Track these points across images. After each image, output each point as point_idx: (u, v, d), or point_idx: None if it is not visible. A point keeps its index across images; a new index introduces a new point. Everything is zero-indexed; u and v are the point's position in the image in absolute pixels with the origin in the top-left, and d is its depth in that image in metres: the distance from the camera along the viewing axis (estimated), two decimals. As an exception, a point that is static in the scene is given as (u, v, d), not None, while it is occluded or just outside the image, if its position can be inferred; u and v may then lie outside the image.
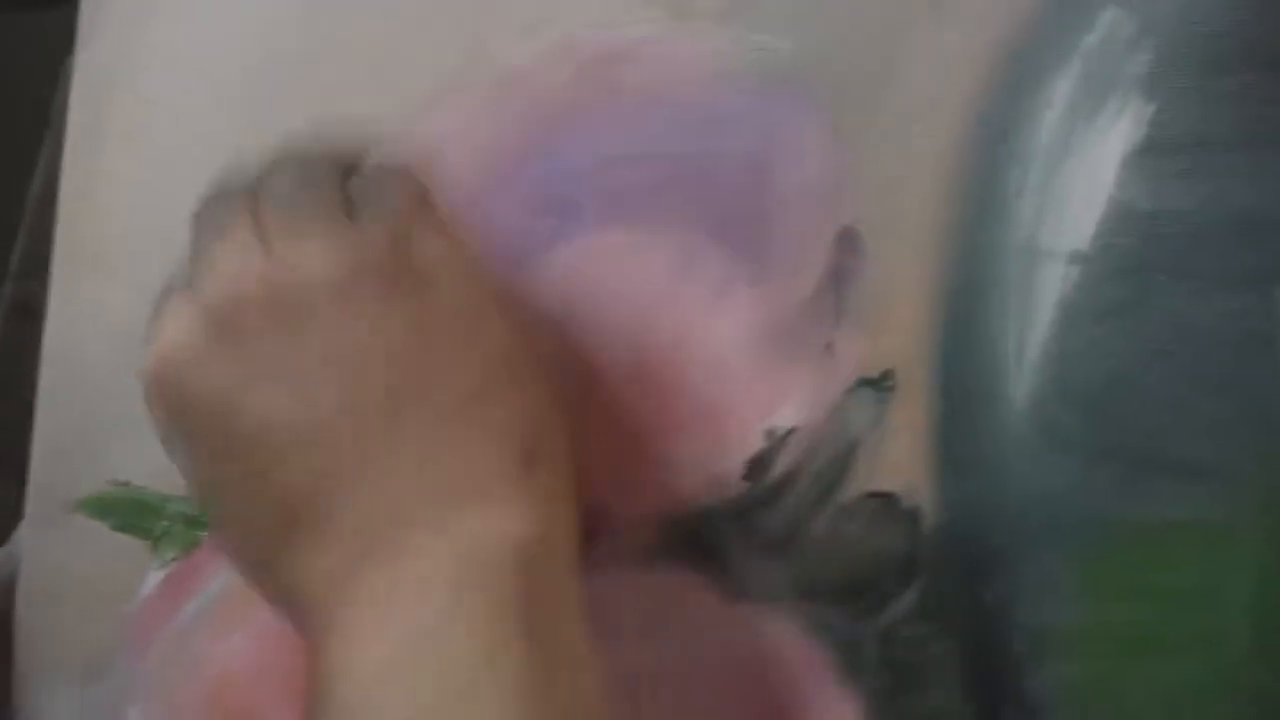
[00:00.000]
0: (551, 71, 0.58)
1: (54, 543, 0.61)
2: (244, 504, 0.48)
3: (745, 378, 0.56)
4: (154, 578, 0.60)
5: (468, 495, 0.46)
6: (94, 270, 0.61)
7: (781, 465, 0.56)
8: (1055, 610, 0.54)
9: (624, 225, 0.57)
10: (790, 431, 0.56)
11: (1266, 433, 0.53)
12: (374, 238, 0.48)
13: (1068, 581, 0.54)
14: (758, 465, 0.56)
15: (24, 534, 0.61)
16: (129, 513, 0.60)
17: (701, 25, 0.57)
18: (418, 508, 0.46)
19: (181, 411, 0.48)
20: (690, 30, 0.57)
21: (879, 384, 0.55)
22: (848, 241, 0.56)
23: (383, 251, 0.47)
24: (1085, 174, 0.54)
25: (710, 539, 0.56)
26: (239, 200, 0.49)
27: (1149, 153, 0.54)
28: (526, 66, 0.58)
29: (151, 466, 0.58)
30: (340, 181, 0.49)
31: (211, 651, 0.59)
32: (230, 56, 0.60)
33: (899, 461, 0.55)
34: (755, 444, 0.56)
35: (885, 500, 0.55)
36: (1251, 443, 0.53)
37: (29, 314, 0.59)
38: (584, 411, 0.56)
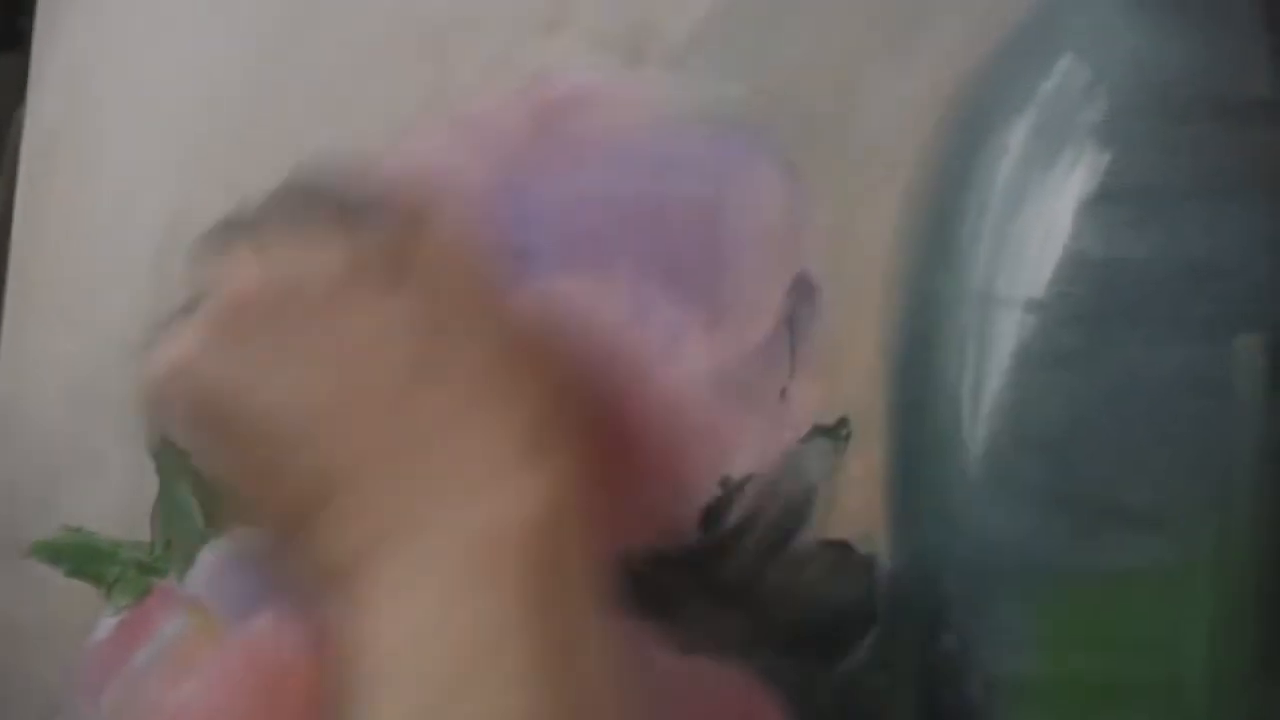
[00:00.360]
0: (506, 115, 0.58)
1: (6, 588, 0.60)
2: (266, 490, 0.49)
3: (699, 425, 0.56)
4: (107, 623, 0.60)
5: (478, 477, 0.47)
6: (44, 317, 0.61)
7: (736, 513, 0.56)
8: (1013, 659, 0.54)
9: (577, 270, 0.57)
10: (745, 479, 0.55)
11: (1221, 482, 0.53)
12: (372, 240, 0.49)
13: (1025, 630, 0.54)
14: (712, 513, 0.56)
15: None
16: (82, 558, 0.60)
17: (654, 71, 0.57)
18: (430, 488, 0.47)
19: (196, 413, 0.49)
20: (643, 76, 0.57)
21: (834, 431, 0.55)
22: (803, 287, 0.56)
23: (381, 251, 0.49)
24: (1041, 221, 0.54)
25: (665, 587, 0.56)
26: (238, 227, 0.50)
27: (1104, 201, 0.54)
28: (481, 110, 0.58)
29: (103, 511, 0.58)
30: (338, 201, 0.50)
31: (164, 697, 0.59)
32: (179, 102, 0.61)
33: (855, 509, 0.55)
34: (710, 491, 0.56)
35: (841, 548, 0.55)
36: (1206, 492, 0.53)
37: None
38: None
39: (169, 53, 0.60)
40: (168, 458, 0.58)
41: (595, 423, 0.54)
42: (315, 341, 0.48)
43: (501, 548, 0.46)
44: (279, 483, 0.48)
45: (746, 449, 0.55)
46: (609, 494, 0.54)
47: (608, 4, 0.58)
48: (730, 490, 0.55)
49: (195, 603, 0.59)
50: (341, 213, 0.50)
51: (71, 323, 0.60)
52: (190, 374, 0.48)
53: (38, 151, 0.61)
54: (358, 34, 0.59)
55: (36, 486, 0.60)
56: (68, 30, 0.62)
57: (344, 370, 0.48)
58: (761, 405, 0.55)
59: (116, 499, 0.56)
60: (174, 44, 0.61)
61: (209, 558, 0.59)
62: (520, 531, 0.46)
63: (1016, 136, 0.55)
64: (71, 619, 0.60)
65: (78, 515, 0.60)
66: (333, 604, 0.47)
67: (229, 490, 0.51)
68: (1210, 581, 0.52)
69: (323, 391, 0.47)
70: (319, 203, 0.50)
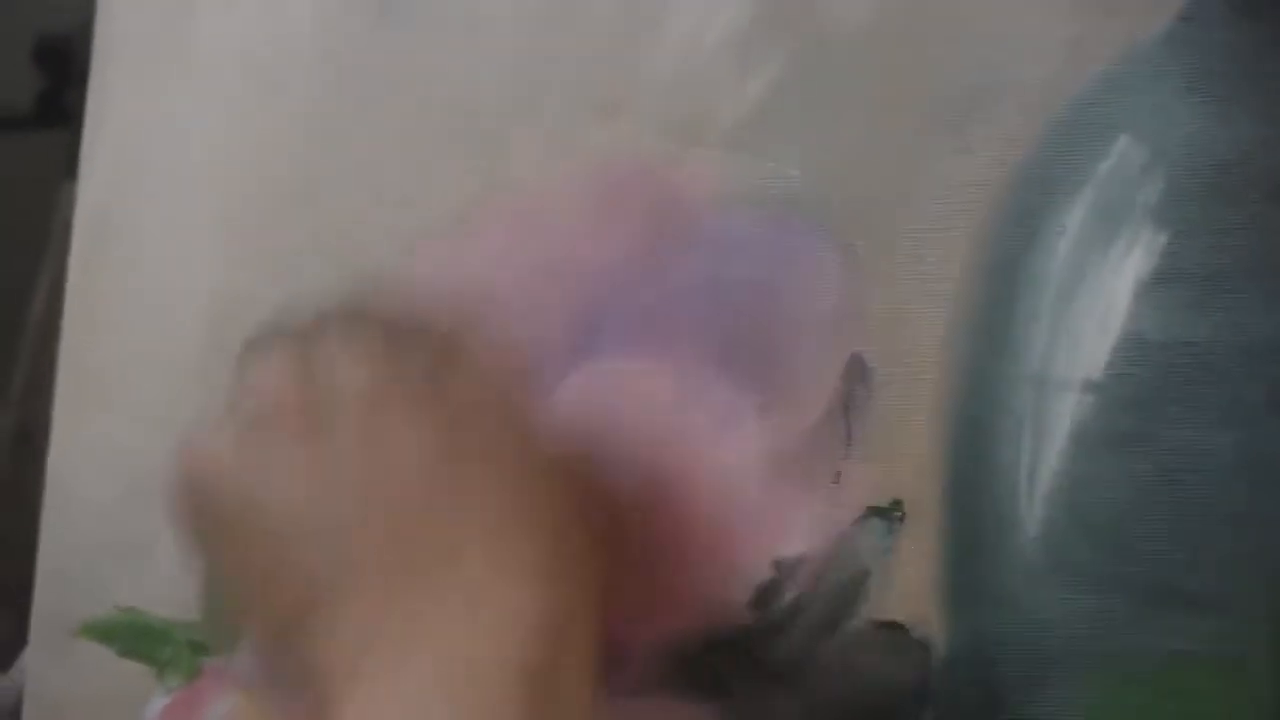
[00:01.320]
0: (567, 197, 0.58)
1: (57, 669, 0.61)
2: (266, 588, 0.49)
3: (753, 506, 0.56)
4: (157, 704, 0.60)
5: (477, 607, 0.47)
6: (96, 399, 0.61)
7: (790, 594, 0.56)
8: (1069, 742, 0.53)
9: (634, 350, 0.57)
10: (799, 560, 0.55)
11: (1276, 565, 0.52)
12: (410, 364, 0.50)
13: (1081, 714, 0.53)
14: (766, 594, 0.55)
15: (28, 660, 0.60)
16: (134, 638, 0.60)
17: (712, 153, 0.57)
18: (425, 612, 0.47)
19: (211, 504, 0.50)
20: (701, 157, 0.57)
21: (888, 513, 0.55)
22: (857, 369, 0.56)
23: (417, 377, 0.49)
24: (1098, 303, 0.54)
25: (718, 668, 0.56)
26: (285, 332, 0.51)
27: (1161, 282, 0.54)
28: (542, 191, 0.58)
29: (155, 593, 0.58)
30: (387, 321, 0.51)
31: (217, 775, 0.59)
32: (228, 183, 0.61)
33: (909, 591, 0.55)
34: (763, 573, 0.56)
35: (895, 630, 0.55)
36: (1262, 576, 0.53)
37: (30, 441, 0.59)
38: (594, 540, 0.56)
39: (218, 133, 0.61)
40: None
41: (627, 531, 0.54)
42: (341, 453, 0.48)
43: (488, 685, 0.45)
44: (278, 582, 0.48)
45: (800, 530, 0.55)
46: (659, 578, 0.54)
47: (665, 88, 0.58)
48: (783, 571, 0.55)
49: (244, 682, 0.58)
50: (388, 333, 0.50)
51: (121, 405, 0.60)
52: (217, 467, 0.49)
53: (88, 233, 0.61)
54: (410, 117, 0.59)
55: (88, 568, 0.60)
56: (118, 110, 0.62)
57: (363, 485, 0.48)
58: (816, 486, 0.55)
59: (166, 580, 0.56)
60: (224, 124, 0.61)
61: (258, 637, 0.59)
62: (509, 670, 0.45)
63: (1074, 217, 0.55)
64: (122, 700, 0.60)
65: (128, 597, 0.60)
66: (311, 707, 0.47)
67: (228, 583, 0.51)
68: (1268, 665, 0.52)
69: (339, 502, 0.48)
70: (368, 320, 0.51)
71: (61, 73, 0.65)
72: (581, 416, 0.57)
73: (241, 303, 0.58)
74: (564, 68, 0.59)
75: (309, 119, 0.60)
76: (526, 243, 0.58)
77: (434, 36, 0.60)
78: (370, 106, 0.60)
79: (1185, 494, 0.53)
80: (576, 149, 0.58)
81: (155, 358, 0.59)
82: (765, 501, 0.55)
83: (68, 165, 0.63)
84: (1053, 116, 0.56)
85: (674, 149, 0.57)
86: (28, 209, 0.73)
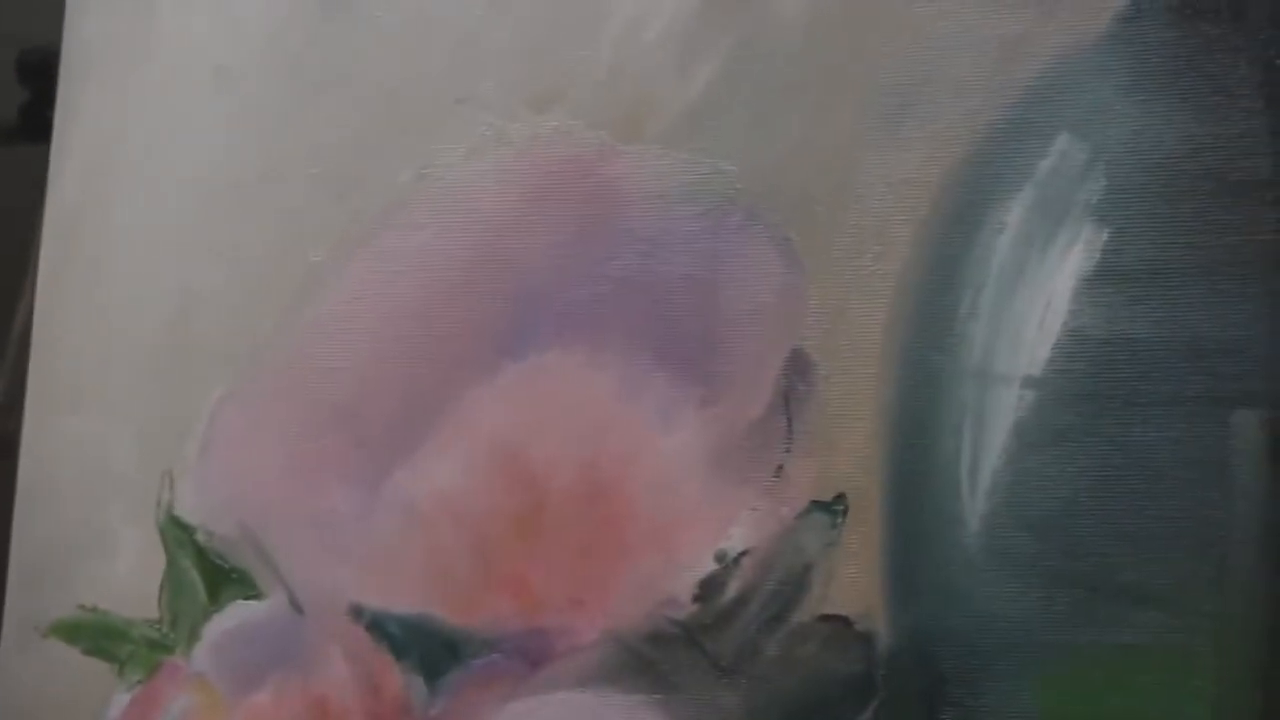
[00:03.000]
0: (500, 191, 0.58)
1: (28, 666, 0.61)
2: None
3: (695, 500, 0.56)
4: (120, 700, 0.61)
5: None
6: (65, 401, 0.62)
7: (733, 588, 0.56)
8: (1013, 735, 0.54)
9: (572, 345, 0.57)
10: (742, 554, 0.56)
11: (1219, 558, 0.52)
12: None
13: (1024, 707, 0.54)
14: (709, 587, 0.56)
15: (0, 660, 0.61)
16: (97, 636, 0.61)
17: (647, 147, 0.57)
18: None
19: None
20: (638, 152, 0.57)
21: (831, 507, 0.55)
22: (798, 364, 0.56)
23: None
24: (1039, 299, 0.54)
25: (661, 661, 0.56)
26: None
27: (1102, 279, 0.54)
28: (475, 185, 0.59)
29: (116, 591, 0.59)
30: None
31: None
32: (187, 184, 0.62)
33: (853, 585, 0.55)
34: (706, 566, 0.56)
35: (839, 623, 0.55)
36: (1204, 568, 0.53)
37: (9, 450, 0.60)
38: (536, 531, 0.56)
39: (179, 132, 0.62)
40: (173, 533, 0.59)
41: (584, 500, 0.55)
42: None
43: None
44: None
45: (743, 524, 0.55)
46: (601, 572, 0.55)
47: (603, 81, 0.58)
48: (727, 565, 0.55)
49: (200, 678, 0.59)
50: None
51: (87, 404, 0.61)
52: None
53: (57, 238, 0.62)
54: (356, 113, 0.60)
55: (56, 569, 0.61)
56: (86, 119, 0.63)
57: None
58: (757, 480, 0.56)
59: (128, 577, 0.56)
60: (184, 123, 0.62)
61: (212, 633, 0.59)
62: None
63: (1014, 214, 0.55)
64: (90, 696, 0.61)
65: (93, 594, 0.61)
66: None
67: None
68: (1210, 657, 0.52)
69: None
70: None
71: (45, 86, 0.67)
72: (518, 409, 0.57)
73: (200, 301, 0.59)
74: (500, 60, 0.59)
75: (261, 114, 0.61)
76: (460, 235, 0.58)
77: (372, 29, 0.60)
78: (315, 100, 0.61)
79: (1126, 488, 0.53)
80: (511, 141, 0.58)
81: (120, 357, 0.60)
82: (707, 495, 0.56)
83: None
84: (993, 114, 0.56)
85: (610, 142, 0.58)
86: (11, 221, 0.74)
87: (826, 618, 0.55)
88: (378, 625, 0.58)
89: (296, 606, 0.56)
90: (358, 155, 0.59)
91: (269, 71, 0.61)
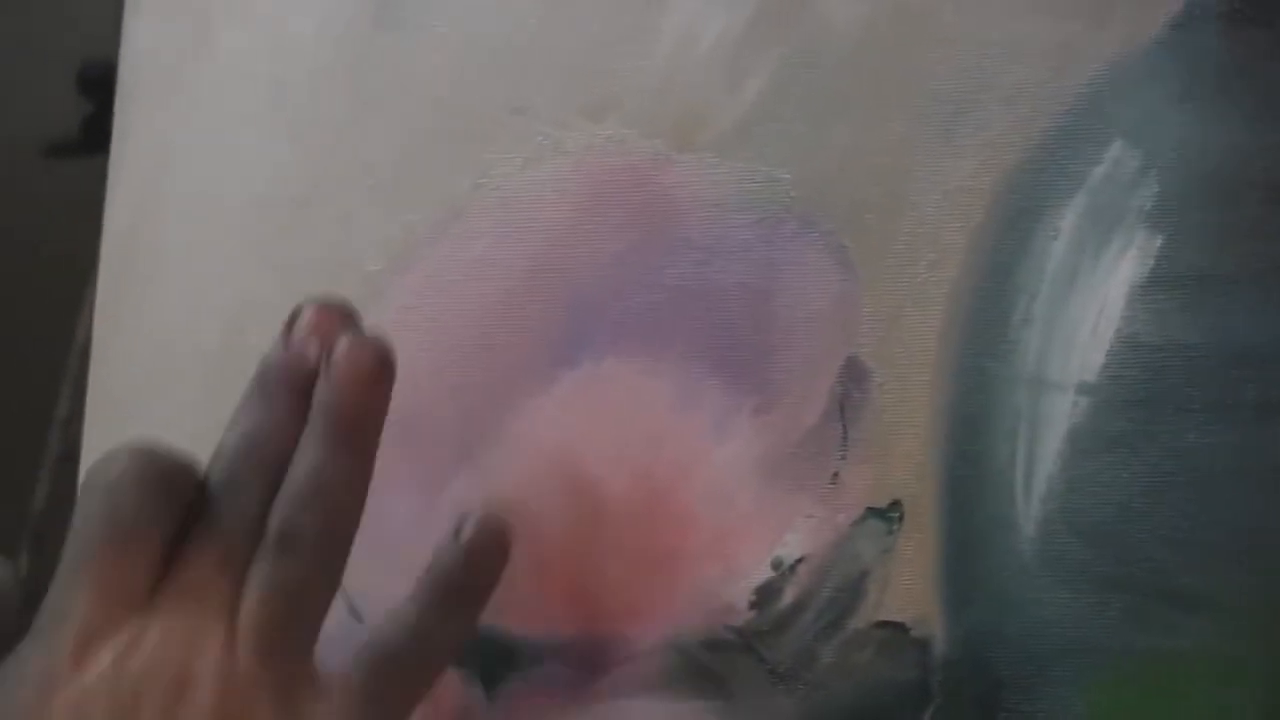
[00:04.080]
0: (555, 200, 0.58)
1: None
2: None
3: (751, 507, 0.56)
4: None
5: None
6: (123, 414, 0.61)
7: (790, 595, 0.56)
8: (1065, 740, 0.54)
9: (628, 354, 0.57)
10: (798, 561, 0.56)
11: (1270, 565, 0.53)
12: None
13: (1077, 712, 0.54)
14: (765, 594, 0.56)
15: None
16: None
17: (702, 156, 0.57)
18: None
19: None
20: (692, 161, 0.57)
21: (887, 514, 0.56)
22: (854, 371, 0.56)
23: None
24: (1093, 306, 0.54)
25: (719, 668, 0.56)
26: None
27: (1155, 286, 0.54)
28: (531, 195, 0.59)
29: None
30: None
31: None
32: (240, 202, 0.61)
33: (908, 591, 0.56)
34: (762, 573, 0.56)
35: (895, 629, 0.55)
36: (1256, 574, 0.53)
37: (75, 461, 0.60)
38: (592, 540, 0.56)
39: (231, 151, 0.61)
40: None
41: (641, 508, 0.55)
42: None
43: None
44: None
45: (799, 531, 0.55)
46: (659, 580, 0.55)
47: (656, 90, 0.58)
48: (783, 572, 0.56)
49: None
50: None
51: (144, 417, 0.61)
52: None
53: (114, 251, 0.62)
54: (407, 126, 0.60)
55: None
56: (142, 133, 0.63)
57: None
58: (814, 488, 0.56)
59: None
60: (235, 143, 0.62)
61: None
62: None
63: (1067, 221, 0.55)
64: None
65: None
66: None
67: None
68: (1262, 663, 0.52)
69: None
70: None
71: (106, 99, 0.66)
72: (574, 419, 0.57)
73: (256, 314, 0.58)
74: (555, 70, 0.59)
75: (316, 127, 0.61)
76: (516, 245, 0.58)
77: (426, 40, 0.60)
78: (370, 113, 0.61)
79: (1179, 494, 0.53)
80: (567, 151, 0.58)
81: (177, 371, 0.60)
82: (763, 503, 0.56)
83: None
84: (1045, 121, 0.56)
85: (665, 151, 0.58)
86: (74, 233, 0.74)
87: (882, 624, 0.56)
88: (436, 634, 0.57)
89: (356, 615, 0.55)
90: (414, 167, 0.59)
91: (324, 85, 0.61)
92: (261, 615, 0.48)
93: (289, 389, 0.50)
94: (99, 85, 0.81)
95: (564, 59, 0.59)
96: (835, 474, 0.56)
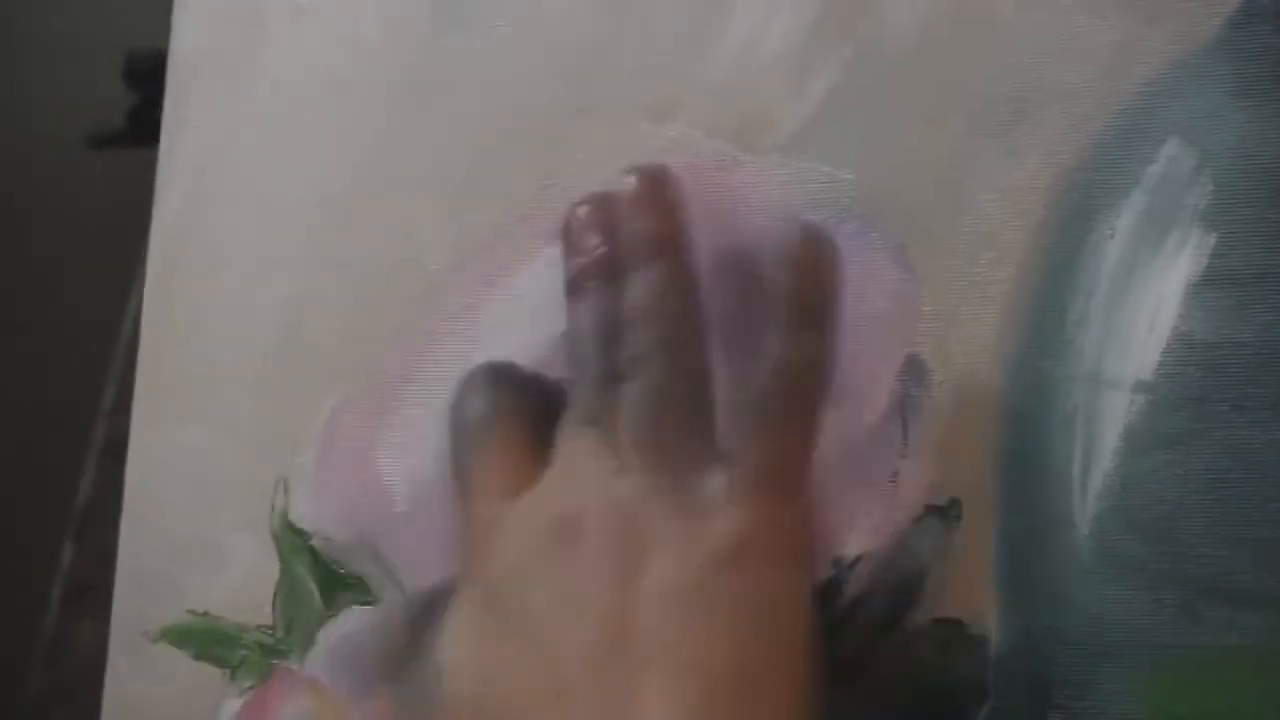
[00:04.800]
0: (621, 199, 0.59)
1: (136, 671, 0.62)
2: None
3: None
4: (231, 705, 0.61)
5: None
6: (172, 408, 0.62)
7: (850, 592, 0.56)
8: (1120, 737, 0.54)
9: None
10: (857, 559, 0.56)
11: (1327, 561, 0.53)
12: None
13: (1132, 709, 0.55)
14: (826, 592, 0.56)
15: (109, 664, 0.62)
16: (207, 642, 0.61)
17: (767, 157, 0.58)
18: None
19: None
20: (756, 162, 0.58)
21: (946, 512, 0.56)
22: (913, 370, 0.57)
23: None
24: (1149, 304, 0.55)
25: (779, 665, 0.56)
26: None
27: (1211, 284, 0.54)
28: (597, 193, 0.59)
29: (227, 597, 0.59)
30: None
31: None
32: (297, 195, 0.62)
33: (965, 588, 0.56)
34: (823, 571, 0.56)
35: (953, 626, 0.56)
36: (1313, 571, 0.53)
37: (122, 453, 0.60)
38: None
39: (289, 143, 0.62)
40: (288, 539, 0.59)
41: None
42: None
43: None
44: None
45: (859, 529, 0.56)
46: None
47: (720, 92, 0.58)
48: (843, 569, 0.56)
49: (315, 683, 0.60)
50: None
51: (195, 412, 0.61)
52: None
53: (164, 247, 0.62)
54: (470, 122, 0.60)
55: (164, 573, 0.61)
56: (193, 130, 0.63)
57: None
58: (874, 486, 0.56)
59: (240, 584, 0.57)
60: (294, 134, 0.62)
61: (328, 638, 0.60)
62: None
63: (1123, 220, 0.55)
64: (199, 702, 0.61)
65: (202, 600, 0.61)
66: None
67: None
68: (1317, 660, 0.53)
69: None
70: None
71: (152, 90, 0.67)
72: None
73: (313, 310, 0.59)
74: (619, 70, 0.60)
75: (375, 124, 0.61)
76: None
77: (489, 39, 0.61)
78: (431, 111, 0.61)
79: (1235, 491, 0.54)
80: (631, 152, 0.58)
81: (230, 366, 0.60)
82: (825, 500, 0.56)
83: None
84: (1102, 121, 0.56)
85: (730, 152, 0.58)
86: (121, 225, 0.74)
87: (940, 621, 0.56)
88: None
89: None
90: (475, 166, 0.60)
91: (382, 82, 0.61)
92: (628, 435, 0.51)
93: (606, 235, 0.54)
94: (145, 76, 0.81)
95: (629, 59, 0.59)
96: (895, 472, 0.56)
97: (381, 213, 0.61)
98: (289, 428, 0.61)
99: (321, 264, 0.60)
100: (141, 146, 0.64)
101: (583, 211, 0.55)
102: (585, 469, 0.51)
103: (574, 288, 0.54)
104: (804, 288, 0.54)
